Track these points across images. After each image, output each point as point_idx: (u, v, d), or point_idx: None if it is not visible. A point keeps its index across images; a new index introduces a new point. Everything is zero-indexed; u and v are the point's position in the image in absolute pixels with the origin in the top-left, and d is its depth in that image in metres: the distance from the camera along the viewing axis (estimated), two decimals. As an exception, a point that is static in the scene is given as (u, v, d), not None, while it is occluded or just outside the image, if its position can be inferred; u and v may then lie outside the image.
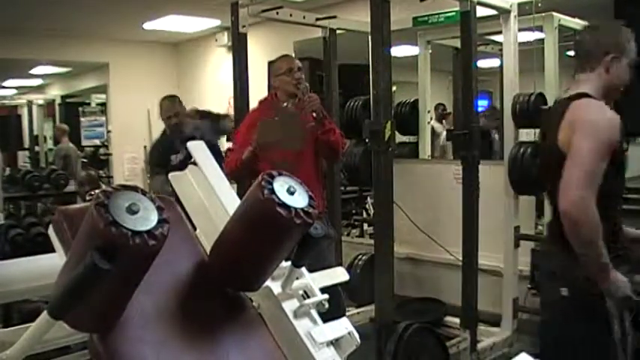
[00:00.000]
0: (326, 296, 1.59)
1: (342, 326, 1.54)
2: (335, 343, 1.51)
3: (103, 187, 1.73)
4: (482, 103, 6.40)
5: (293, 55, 5.88)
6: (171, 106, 4.14)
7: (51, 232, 1.37)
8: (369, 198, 5.72)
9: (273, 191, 1.31)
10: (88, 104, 9.25)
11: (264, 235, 1.34)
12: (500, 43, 3.63)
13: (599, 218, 1.84)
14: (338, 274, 1.82)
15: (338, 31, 4.15)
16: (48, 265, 1.36)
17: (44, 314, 1.13)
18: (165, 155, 3.98)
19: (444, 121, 6.98)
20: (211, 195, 1.61)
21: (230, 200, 1.59)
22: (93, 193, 3.34)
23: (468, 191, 3.28)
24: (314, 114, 3.10)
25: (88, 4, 5.70)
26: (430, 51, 4.64)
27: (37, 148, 10.02)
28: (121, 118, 7.83)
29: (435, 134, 6.01)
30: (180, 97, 4.33)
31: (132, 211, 1.10)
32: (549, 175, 2.02)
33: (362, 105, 4.39)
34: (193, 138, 3.50)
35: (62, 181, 5.62)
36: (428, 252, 4.23)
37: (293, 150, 3.09)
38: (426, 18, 3.99)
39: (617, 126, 1.92)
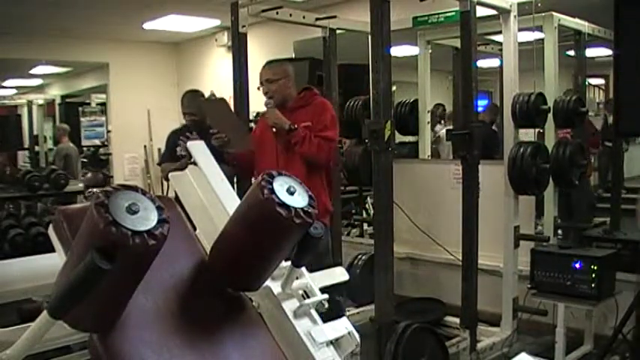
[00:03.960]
0: (326, 296, 1.59)
1: (342, 326, 1.54)
2: (335, 342, 1.51)
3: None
4: (482, 103, 6.39)
5: (293, 55, 5.91)
6: (192, 100, 3.88)
7: (51, 232, 1.37)
8: (368, 198, 5.71)
9: (273, 191, 1.31)
10: (88, 104, 9.23)
11: (264, 235, 1.34)
12: (500, 43, 3.62)
13: None
14: (337, 274, 1.82)
15: (338, 31, 4.14)
16: (48, 265, 1.36)
17: (44, 314, 1.13)
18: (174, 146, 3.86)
19: (442, 121, 6.96)
20: (211, 195, 1.61)
21: (230, 200, 1.59)
22: (94, 191, 3.31)
23: (468, 191, 3.27)
24: (274, 129, 3.17)
25: (88, 4, 5.70)
26: (430, 51, 4.64)
27: (37, 148, 10.01)
28: (121, 118, 7.83)
29: (435, 134, 6.02)
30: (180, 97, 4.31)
31: (132, 210, 1.10)
32: None
33: (362, 105, 4.40)
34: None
35: (62, 181, 5.61)
36: (428, 252, 4.23)
37: (282, 154, 3.16)
38: (426, 18, 3.99)
39: None
